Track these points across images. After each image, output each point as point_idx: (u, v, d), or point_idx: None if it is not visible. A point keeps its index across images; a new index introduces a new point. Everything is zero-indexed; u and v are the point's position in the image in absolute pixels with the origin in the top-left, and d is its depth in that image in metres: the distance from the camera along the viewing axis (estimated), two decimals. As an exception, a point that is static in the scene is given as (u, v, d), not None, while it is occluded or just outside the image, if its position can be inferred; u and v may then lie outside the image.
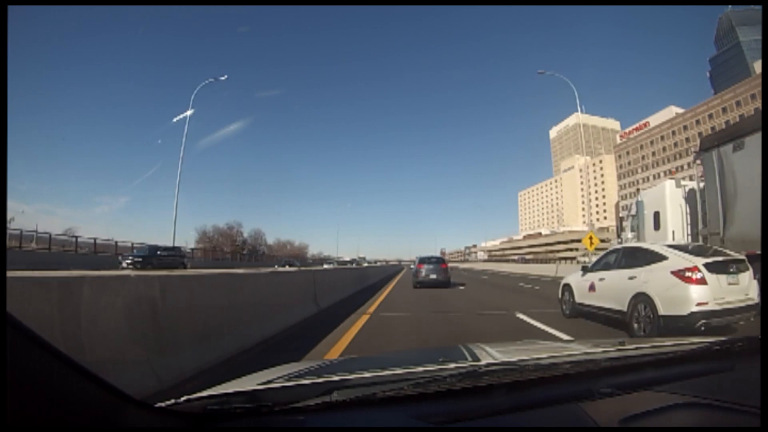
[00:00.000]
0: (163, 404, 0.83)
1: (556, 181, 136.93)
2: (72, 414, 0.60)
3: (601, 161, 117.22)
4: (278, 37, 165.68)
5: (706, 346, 1.28)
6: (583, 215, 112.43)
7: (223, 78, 23.92)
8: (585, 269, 6.85)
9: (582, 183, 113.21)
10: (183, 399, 0.86)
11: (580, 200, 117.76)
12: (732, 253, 5.36)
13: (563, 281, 7.54)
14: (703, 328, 4.60)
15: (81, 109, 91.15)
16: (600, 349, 1.35)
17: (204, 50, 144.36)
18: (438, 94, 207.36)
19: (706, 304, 4.63)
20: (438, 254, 23.59)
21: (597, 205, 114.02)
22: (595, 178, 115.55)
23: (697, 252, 5.23)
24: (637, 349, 1.26)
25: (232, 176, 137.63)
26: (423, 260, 14.94)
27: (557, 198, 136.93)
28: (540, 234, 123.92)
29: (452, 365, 1.04)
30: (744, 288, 4.92)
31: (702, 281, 4.69)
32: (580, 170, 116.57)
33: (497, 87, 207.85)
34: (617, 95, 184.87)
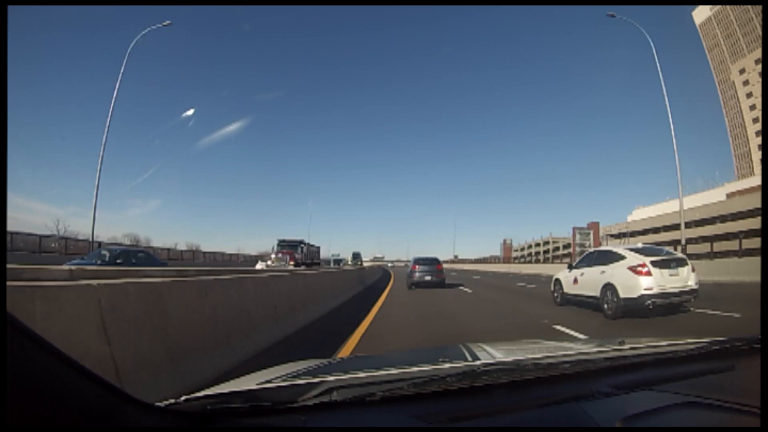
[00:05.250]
0: (162, 404, 0.84)
1: None
2: (72, 414, 0.60)
3: None
4: (279, 38, 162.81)
5: (705, 346, 1.26)
6: None
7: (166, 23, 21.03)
8: (570, 267, 8.79)
9: None
10: (182, 399, 0.87)
11: None
12: (677, 253, 7.23)
13: (554, 276, 9.46)
14: (651, 307, 6.44)
15: (79, 108, 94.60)
16: (599, 349, 1.34)
17: (204, 50, 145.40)
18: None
19: (651, 289, 6.41)
20: (500, 248, 21.75)
21: None
22: None
23: (648, 253, 7.06)
24: (636, 348, 1.24)
25: (224, 176, 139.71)
26: (417, 261, 15.06)
27: None
28: None
29: (450, 365, 1.03)
30: (684, 278, 6.72)
31: (648, 273, 6.48)
32: None
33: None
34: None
